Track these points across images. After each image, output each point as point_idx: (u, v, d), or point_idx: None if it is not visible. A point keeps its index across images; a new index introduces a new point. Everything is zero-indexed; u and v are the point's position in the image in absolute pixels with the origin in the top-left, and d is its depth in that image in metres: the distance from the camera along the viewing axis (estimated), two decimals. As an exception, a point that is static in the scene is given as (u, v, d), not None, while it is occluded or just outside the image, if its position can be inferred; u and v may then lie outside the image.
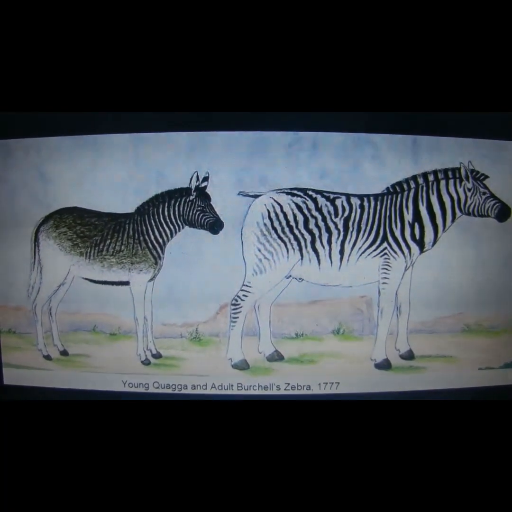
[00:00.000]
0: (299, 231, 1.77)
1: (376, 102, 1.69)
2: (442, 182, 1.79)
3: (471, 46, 1.66)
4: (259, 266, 1.77)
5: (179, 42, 1.65)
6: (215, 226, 1.75)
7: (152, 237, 1.81)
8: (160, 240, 1.81)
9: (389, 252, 1.79)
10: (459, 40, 1.65)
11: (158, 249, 1.81)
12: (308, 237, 1.78)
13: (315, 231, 1.78)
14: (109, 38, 1.64)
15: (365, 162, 1.74)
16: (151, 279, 1.80)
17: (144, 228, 1.81)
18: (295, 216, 1.77)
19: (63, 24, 1.63)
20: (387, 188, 1.77)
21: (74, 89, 1.68)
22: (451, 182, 1.79)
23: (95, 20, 1.63)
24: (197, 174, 1.74)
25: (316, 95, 1.69)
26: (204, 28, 1.64)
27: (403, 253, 1.80)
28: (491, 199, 1.78)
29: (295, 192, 1.76)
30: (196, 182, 1.74)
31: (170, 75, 1.67)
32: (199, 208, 1.77)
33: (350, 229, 1.78)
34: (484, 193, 1.79)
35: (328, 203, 1.77)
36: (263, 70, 1.67)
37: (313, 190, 1.76)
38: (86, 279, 1.82)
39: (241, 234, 1.75)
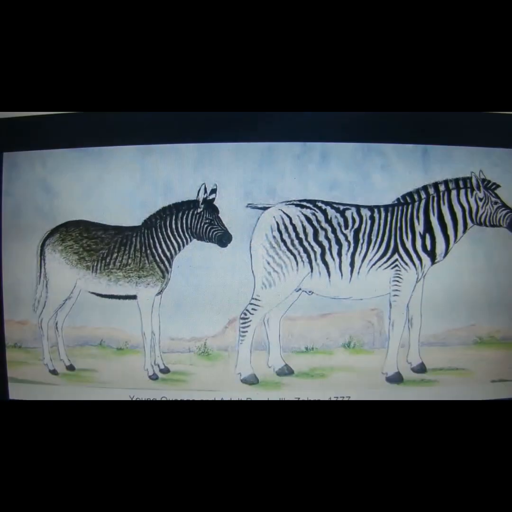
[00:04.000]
0: (309, 243, 1.75)
1: (386, 111, 1.67)
2: (453, 192, 1.77)
3: (482, 56, 1.64)
4: (268, 279, 1.75)
5: (187, 53, 1.64)
6: (223, 239, 1.73)
7: (160, 251, 1.79)
8: (168, 253, 1.79)
9: (400, 263, 1.77)
10: (471, 50, 1.63)
11: (166, 262, 1.79)
12: (317, 249, 1.75)
13: (325, 243, 1.76)
14: (115, 48, 1.62)
15: (375, 172, 1.72)
16: (159, 293, 1.78)
17: (151, 241, 1.79)
18: (304, 228, 1.75)
19: (68, 31, 1.62)
20: (398, 199, 1.75)
21: (80, 100, 1.66)
22: (462, 192, 1.77)
23: (101, 26, 1.62)
24: (205, 186, 1.72)
25: (325, 105, 1.67)
26: (214, 37, 1.63)
27: (414, 264, 1.77)
28: (503, 208, 1.76)
29: (304, 203, 1.74)
30: (204, 194, 1.73)
31: (177, 87, 1.65)
32: (207, 221, 1.75)
33: (361, 241, 1.76)
34: (495, 203, 1.77)
35: (338, 215, 1.75)
36: (271, 81, 1.65)
37: (322, 202, 1.74)
38: (92, 293, 1.81)
39: (250, 247, 1.73)
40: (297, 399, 1.76)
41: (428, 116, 1.70)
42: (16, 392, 1.82)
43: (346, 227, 1.76)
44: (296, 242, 1.75)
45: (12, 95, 1.65)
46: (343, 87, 1.65)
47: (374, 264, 1.77)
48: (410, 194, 1.75)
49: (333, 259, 1.76)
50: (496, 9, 1.60)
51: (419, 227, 1.78)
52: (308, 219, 1.75)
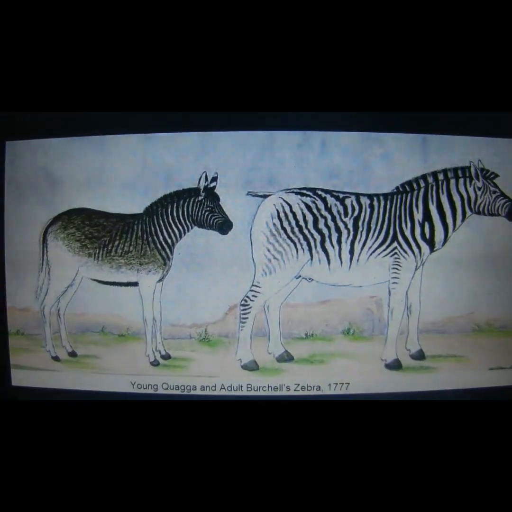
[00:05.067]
0: (309, 231, 1.76)
1: (385, 101, 1.68)
2: (452, 181, 1.78)
3: (481, 45, 1.65)
4: (269, 267, 1.76)
5: (188, 43, 1.65)
6: (224, 226, 1.74)
7: (161, 238, 1.80)
8: (169, 241, 1.80)
9: (399, 251, 1.78)
10: (469, 39, 1.64)
11: (167, 249, 1.80)
12: (317, 237, 1.77)
13: (325, 231, 1.77)
14: (118, 39, 1.63)
15: (374, 161, 1.74)
16: (160, 280, 1.79)
17: (152, 228, 1.80)
18: (304, 216, 1.76)
19: (71, 25, 1.63)
20: (397, 187, 1.76)
21: (82, 90, 1.67)
22: (461, 181, 1.78)
23: (104, 21, 1.63)
24: (206, 174, 1.73)
25: (324, 95, 1.68)
26: (213, 29, 1.64)
27: (413, 252, 1.79)
28: (501, 198, 1.77)
29: (305, 191, 1.75)
30: (205, 182, 1.74)
31: (178, 76, 1.66)
32: (208, 209, 1.76)
33: (360, 228, 1.77)
34: (494, 192, 1.78)
35: (338, 203, 1.76)
36: (271, 70, 1.66)
37: (322, 190, 1.75)
38: (94, 280, 1.82)
39: (250, 234, 1.74)
40: (297, 385, 1.77)
41: (428, 106, 1.71)
42: (19, 379, 1.83)
43: (346, 215, 1.77)
44: (296, 229, 1.76)
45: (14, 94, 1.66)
46: (341, 86, 1.67)
47: (373, 252, 1.78)
48: (409, 182, 1.76)
49: (333, 247, 1.77)
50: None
51: (418, 216, 1.79)
52: (308, 207, 1.76)
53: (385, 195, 1.77)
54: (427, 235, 1.79)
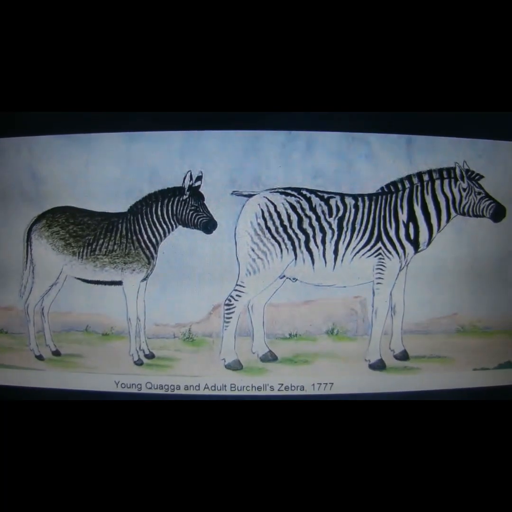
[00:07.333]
0: (293, 231, 1.77)
1: (370, 101, 1.68)
2: (437, 182, 1.79)
3: (467, 46, 1.66)
4: (253, 266, 1.76)
5: (173, 42, 1.64)
6: (208, 225, 1.74)
7: (145, 237, 1.80)
8: (153, 240, 1.80)
9: (383, 252, 1.79)
10: (455, 39, 1.65)
11: (151, 248, 1.80)
12: (302, 237, 1.77)
13: (309, 230, 1.77)
14: (103, 37, 1.63)
15: (359, 161, 1.74)
16: (144, 279, 1.79)
17: (137, 227, 1.80)
18: (289, 216, 1.76)
19: (57, 23, 1.63)
20: (382, 188, 1.77)
21: (67, 87, 1.67)
22: (446, 182, 1.79)
23: (89, 19, 1.62)
24: (191, 173, 1.73)
25: (310, 94, 1.68)
26: (197, 28, 1.64)
27: (397, 253, 1.79)
28: (486, 199, 1.78)
29: (289, 191, 1.75)
30: (190, 181, 1.73)
31: (163, 75, 1.66)
32: (193, 208, 1.76)
33: (344, 229, 1.78)
34: (479, 193, 1.78)
35: (322, 203, 1.76)
36: (256, 70, 1.66)
37: (307, 190, 1.75)
38: (78, 279, 1.81)
39: (235, 233, 1.74)
40: (280, 385, 1.77)
41: (413, 107, 1.71)
42: (2, 378, 1.82)
43: (330, 215, 1.77)
44: (280, 229, 1.76)
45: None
46: (326, 87, 1.67)
47: (357, 252, 1.78)
48: (394, 183, 1.76)
49: (317, 247, 1.77)
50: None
51: (403, 216, 1.80)
52: (293, 207, 1.76)
53: (370, 196, 1.77)
54: (412, 236, 1.79)
